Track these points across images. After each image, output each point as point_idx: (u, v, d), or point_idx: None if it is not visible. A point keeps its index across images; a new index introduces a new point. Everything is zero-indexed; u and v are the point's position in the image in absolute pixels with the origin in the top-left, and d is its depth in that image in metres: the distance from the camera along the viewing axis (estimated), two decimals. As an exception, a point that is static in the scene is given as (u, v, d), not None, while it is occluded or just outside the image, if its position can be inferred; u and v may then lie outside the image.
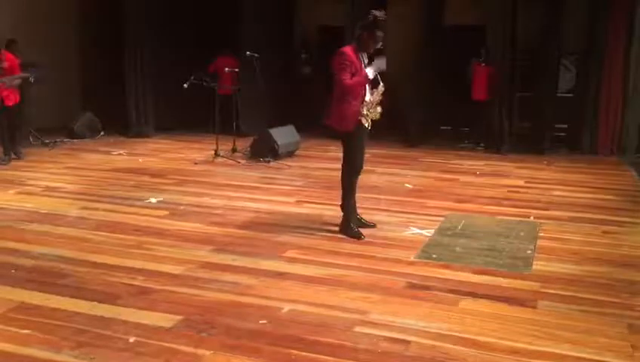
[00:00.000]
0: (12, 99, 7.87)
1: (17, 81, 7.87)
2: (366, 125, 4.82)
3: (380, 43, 4.72)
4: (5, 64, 7.75)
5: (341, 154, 5.03)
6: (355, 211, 5.15)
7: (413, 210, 5.82)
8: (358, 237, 4.88)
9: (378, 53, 4.87)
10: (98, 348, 3.03)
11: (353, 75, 4.64)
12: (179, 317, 3.38)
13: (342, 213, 5.08)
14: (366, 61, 4.78)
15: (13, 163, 7.93)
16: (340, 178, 5.07)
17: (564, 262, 4.41)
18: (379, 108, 4.85)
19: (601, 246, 4.82)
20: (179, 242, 4.76)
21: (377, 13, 4.63)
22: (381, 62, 4.77)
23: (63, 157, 8.58)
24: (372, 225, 5.19)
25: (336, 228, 5.08)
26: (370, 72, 4.70)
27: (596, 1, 9.37)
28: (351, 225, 4.98)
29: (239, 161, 8.32)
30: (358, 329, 3.28)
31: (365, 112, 4.76)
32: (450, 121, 11.15)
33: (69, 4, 11.07)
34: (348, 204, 5.00)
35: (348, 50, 4.70)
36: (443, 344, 3.11)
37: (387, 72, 4.93)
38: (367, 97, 4.79)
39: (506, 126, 9.66)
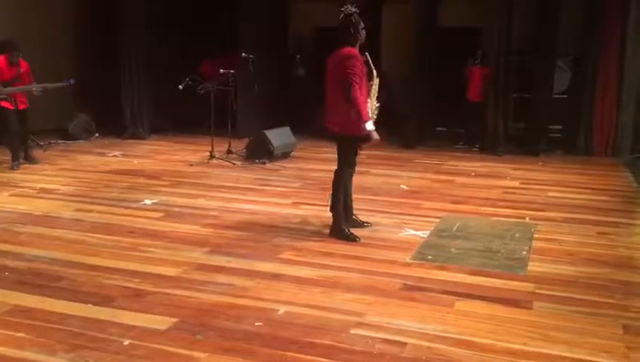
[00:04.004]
0: (25, 103, 7.86)
1: (52, 87, 7.94)
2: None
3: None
4: (22, 70, 7.75)
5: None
6: (352, 211, 5.16)
7: (409, 212, 5.82)
8: (354, 240, 4.85)
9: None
10: (93, 350, 3.01)
11: (361, 78, 4.66)
12: (174, 320, 3.37)
13: (332, 216, 5.05)
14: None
15: (28, 167, 7.82)
16: (333, 181, 5.04)
17: (559, 263, 4.42)
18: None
19: (596, 247, 4.83)
20: (174, 244, 4.74)
21: (351, 9, 4.69)
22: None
23: (57, 158, 8.55)
24: (368, 225, 5.18)
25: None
26: (369, 125, 4.64)
27: (591, 2, 9.41)
28: (343, 228, 4.93)
29: (235, 162, 8.31)
30: (353, 330, 3.27)
31: (372, 114, 4.79)
32: (445, 122, 11.17)
33: (64, 6, 11.04)
34: (339, 207, 4.96)
35: (355, 51, 4.69)
36: (439, 345, 3.11)
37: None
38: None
39: (502, 127, 9.69)
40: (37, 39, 9.32)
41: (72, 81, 8.08)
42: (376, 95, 4.89)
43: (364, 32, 4.76)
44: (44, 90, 7.85)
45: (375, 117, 4.88)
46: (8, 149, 7.90)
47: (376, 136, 4.70)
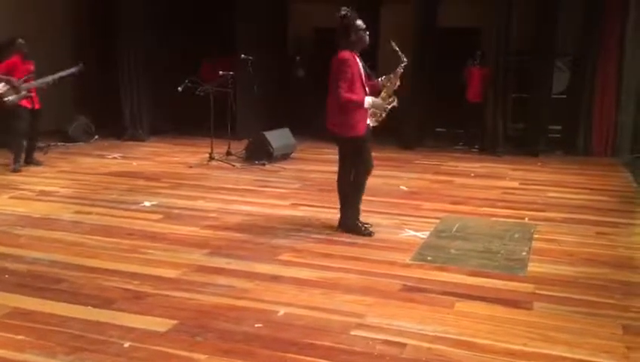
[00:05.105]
0: (39, 103, 7.87)
1: (61, 74, 7.99)
2: (372, 125, 4.92)
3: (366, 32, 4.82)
4: (32, 67, 7.78)
5: (337, 157, 5.06)
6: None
7: (409, 212, 5.82)
8: (369, 234, 4.96)
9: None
10: (93, 353, 3.01)
11: (352, 82, 4.68)
12: (173, 322, 3.36)
13: (340, 215, 5.10)
14: (361, 63, 4.81)
15: (27, 169, 7.82)
16: (338, 187, 5.08)
17: (559, 263, 4.42)
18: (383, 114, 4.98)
19: (595, 248, 4.83)
20: (173, 246, 4.74)
21: (342, 12, 4.75)
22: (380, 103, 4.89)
23: (56, 161, 8.54)
24: (368, 226, 5.18)
25: (331, 231, 5.08)
26: (368, 100, 4.77)
27: (591, 2, 9.42)
28: (357, 223, 5.03)
29: (234, 164, 8.31)
30: (353, 332, 3.27)
31: (374, 112, 4.85)
32: (445, 122, 11.18)
33: (63, 7, 11.05)
34: (350, 211, 5.02)
35: (349, 55, 4.72)
36: (439, 346, 3.11)
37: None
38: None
39: (501, 128, 9.70)
40: (37, 40, 9.32)
41: (81, 66, 8.11)
42: (394, 88, 4.95)
43: (365, 34, 4.79)
44: (55, 82, 7.90)
45: (384, 114, 4.92)
46: (12, 151, 7.88)
47: (378, 101, 4.82)
